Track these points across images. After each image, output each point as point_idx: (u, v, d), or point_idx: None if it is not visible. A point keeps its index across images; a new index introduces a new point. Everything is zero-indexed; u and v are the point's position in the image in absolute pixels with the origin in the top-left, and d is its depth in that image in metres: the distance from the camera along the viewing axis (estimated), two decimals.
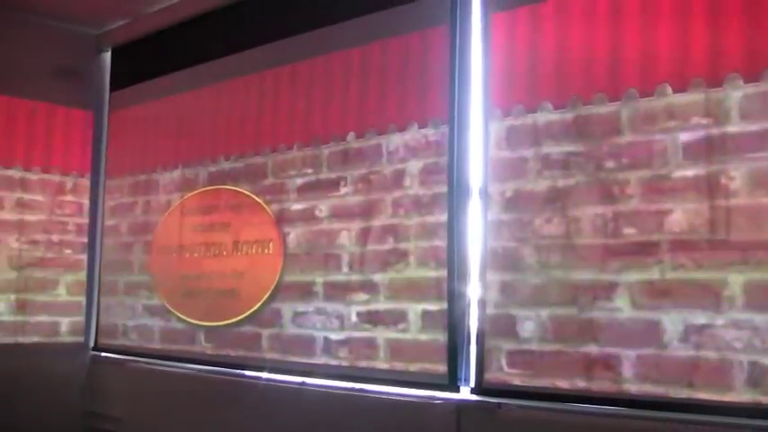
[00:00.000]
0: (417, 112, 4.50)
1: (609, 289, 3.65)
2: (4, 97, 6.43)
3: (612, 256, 3.66)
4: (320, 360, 4.81)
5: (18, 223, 6.47)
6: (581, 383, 3.71)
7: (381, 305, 4.53)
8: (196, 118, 5.97)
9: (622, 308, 3.61)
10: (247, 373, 5.26)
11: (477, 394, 4.10)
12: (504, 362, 4.00)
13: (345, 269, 4.73)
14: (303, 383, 4.88)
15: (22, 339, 6.39)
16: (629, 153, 3.66)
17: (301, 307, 4.96)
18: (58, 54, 6.74)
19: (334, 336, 4.75)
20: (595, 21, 3.84)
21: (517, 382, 3.94)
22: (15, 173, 6.48)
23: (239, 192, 5.49)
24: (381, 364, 4.51)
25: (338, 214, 4.83)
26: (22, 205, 6.49)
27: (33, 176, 6.56)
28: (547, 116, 3.95)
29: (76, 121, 6.80)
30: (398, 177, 4.53)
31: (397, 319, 4.46)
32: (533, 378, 3.88)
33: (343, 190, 4.82)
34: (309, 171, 5.03)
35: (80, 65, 6.86)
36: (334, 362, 4.73)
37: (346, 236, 4.75)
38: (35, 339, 6.45)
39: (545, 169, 3.92)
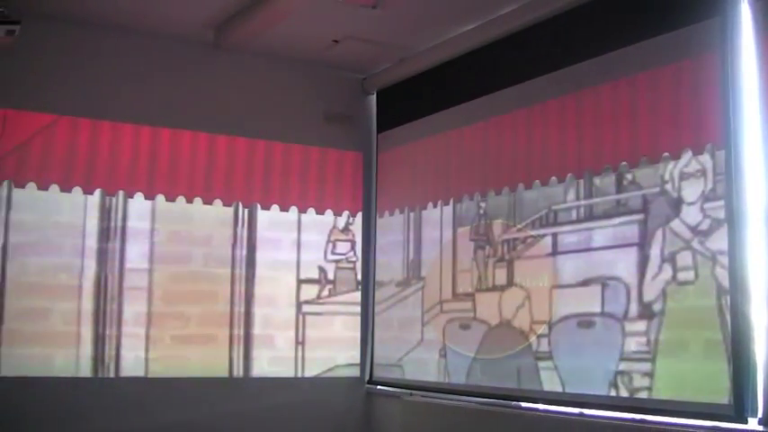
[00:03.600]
0: (691, 139, 4.92)
1: None
2: (280, 144, 7.43)
3: None
4: (599, 391, 5.25)
5: (296, 262, 7.38)
6: None
7: (661, 335, 4.91)
8: (464, 154, 6.73)
9: None
10: (524, 404, 5.81)
11: (766, 426, 4.35)
12: None
13: (623, 299, 5.17)
14: (581, 414, 5.36)
15: (300, 373, 7.38)
16: None
17: (578, 338, 5.46)
18: (328, 99, 7.80)
19: (611, 366, 5.18)
20: None
21: None
22: (292, 215, 7.43)
23: (511, 225, 6.07)
24: (662, 395, 4.89)
25: (614, 244, 5.29)
26: (298, 245, 7.40)
27: (308, 217, 7.53)
28: None
29: (347, 163, 7.78)
30: (675, 205, 4.94)
31: (678, 348, 4.82)
32: None
33: (617, 220, 5.27)
34: (582, 202, 5.52)
35: (348, 109, 7.86)
36: (612, 393, 5.16)
37: (623, 265, 5.18)
38: (313, 373, 7.39)
39: None
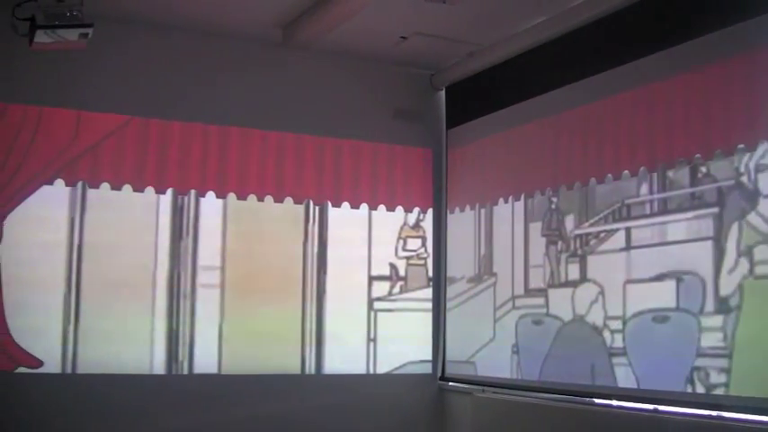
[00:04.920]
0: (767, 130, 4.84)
1: None
2: (349, 141, 7.55)
3: None
4: (674, 387, 5.24)
5: (367, 259, 7.54)
6: None
7: (738, 330, 4.88)
8: (534, 149, 6.77)
9: None
10: (598, 401, 5.84)
11: None
12: None
13: (698, 294, 5.16)
14: (656, 411, 5.36)
15: (372, 370, 7.52)
16: None
17: (653, 334, 5.46)
18: (396, 96, 7.90)
19: (687, 362, 5.17)
20: None
21: None
22: (362, 212, 7.59)
23: (584, 220, 6.14)
24: (739, 392, 4.86)
25: (688, 238, 5.27)
26: (369, 242, 7.54)
27: (379, 214, 7.67)
28: None
29: (417, 160, 7.88)
30: (751, 198, 4.90)
31: (756, 343, 4.78)
32: None
33: (691, 213, 5.27)
34: (656, 196, 5.54)
35: (417, 105, 7.95)
36: (688, 389, 5.16)
37: (698, 260, 5.16)
38: (385, 370, 7.53)
39: None
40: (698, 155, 5.24)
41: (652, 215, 5.56)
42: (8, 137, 6.43)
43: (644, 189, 5.63)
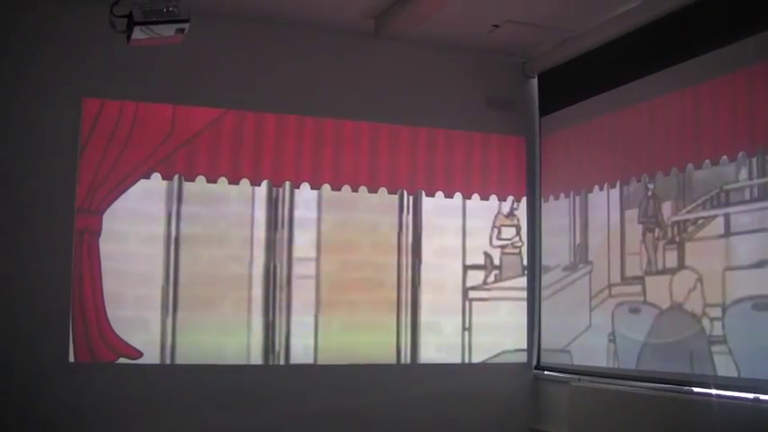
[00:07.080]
0: None
1: None
2: (442, 131, 7.66)
3: None
4: None
5: (461, 248, 7.62)
6: None
7: None
8: (629, 135, 6.75)
9: None
10: (697, 390, 5.80)
11: None
12: None
13: None
14: (757, 400, 5.29)
15: (468, 359, 7.58)
16: None
17: (754, 321, 5.39)
18: (488, 85, 7.94)
19: None
20: None
21: None
22: (456, 201, 7.68)
23: (681, 207, 6.09)
24: None
25: None
26: (464, 231, 7.62)
27: (473, 203, 7.73)
28: None
29: (510, 148, 7.92)
30: None
31: None
32: None
33: None
34: (756, 181, 5.48)
35: (509, 93, 7.98)
36: None
37: None
38: (480, 359, 7.59)
39: None
40: None
41: (752, 201, 5.49)
42: (106, 132, 6.69)
43: (743, 174, 5.57)
